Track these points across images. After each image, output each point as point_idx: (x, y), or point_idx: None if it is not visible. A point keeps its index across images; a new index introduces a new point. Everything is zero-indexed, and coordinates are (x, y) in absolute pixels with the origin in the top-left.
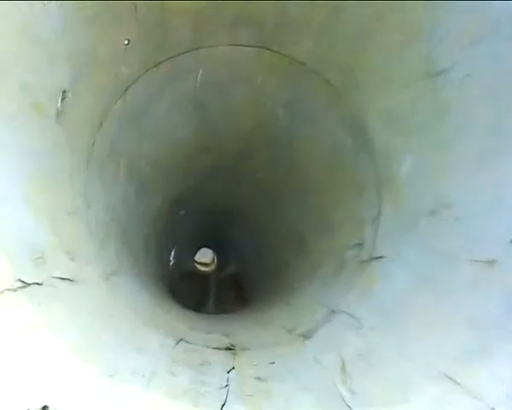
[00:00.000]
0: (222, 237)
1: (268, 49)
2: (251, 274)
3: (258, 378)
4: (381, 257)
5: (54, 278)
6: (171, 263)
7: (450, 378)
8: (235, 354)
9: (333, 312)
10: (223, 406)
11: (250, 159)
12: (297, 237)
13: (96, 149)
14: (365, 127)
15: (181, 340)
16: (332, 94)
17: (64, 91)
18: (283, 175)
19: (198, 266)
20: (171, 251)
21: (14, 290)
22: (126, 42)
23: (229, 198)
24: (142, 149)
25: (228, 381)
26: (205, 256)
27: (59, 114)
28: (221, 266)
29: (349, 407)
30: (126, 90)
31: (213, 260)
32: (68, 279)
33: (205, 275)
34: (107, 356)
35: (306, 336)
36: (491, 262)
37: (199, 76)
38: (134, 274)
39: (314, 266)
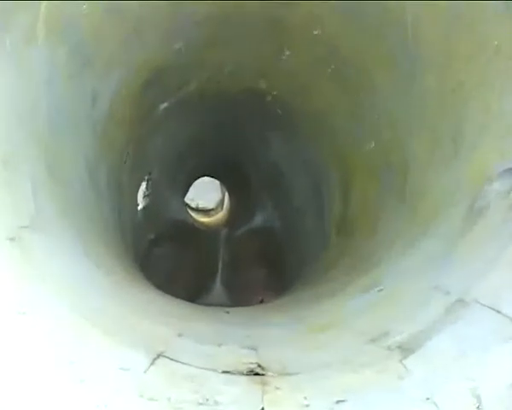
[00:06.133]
0: (240, 156)
1: None
2: (294, 231)
3: None
4: None
5: None
6: (140, 208)
7: None
8: (265, 383)
9: (460, 303)
10: None
11: None
12: (394, 157)
13: None
14: None
15: (160, 356)
16: None
17: None
18: (364, 33)
19: (193, 215)
20: (139, 185)
21: None
22: None
23: (256, 75)
24: None
25: None
26: (206, 195)
27: None
28: (237, 214)
29: None
30: None
31: (222, 202)
32: None
33: (207, 232)
34: (23, 388)
35: (407, 350)
36: None
37: None
38: (67, 230)
39: (424, 215)
